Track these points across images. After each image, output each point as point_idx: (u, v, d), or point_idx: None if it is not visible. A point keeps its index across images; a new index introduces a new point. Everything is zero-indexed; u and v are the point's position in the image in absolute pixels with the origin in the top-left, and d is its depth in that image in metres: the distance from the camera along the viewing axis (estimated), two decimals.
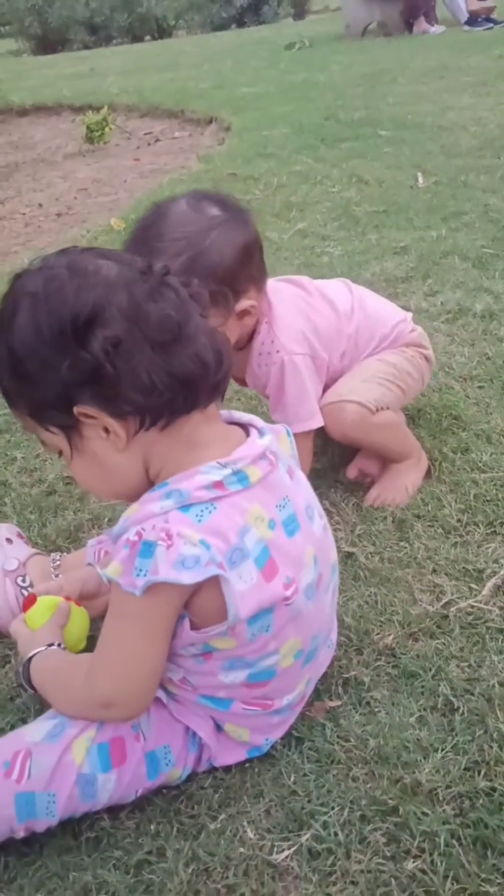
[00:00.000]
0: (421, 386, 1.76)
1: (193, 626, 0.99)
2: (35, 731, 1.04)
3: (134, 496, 1.06)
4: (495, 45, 7.96)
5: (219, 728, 1.10)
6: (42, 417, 1.00)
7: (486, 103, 5.30)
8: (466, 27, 9.86)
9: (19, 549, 1.47)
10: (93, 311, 0.93)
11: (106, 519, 1.67)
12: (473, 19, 9.99)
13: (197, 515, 0.95)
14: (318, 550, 1.08)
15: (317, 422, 1.60)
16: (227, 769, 1.11)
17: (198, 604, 0.97)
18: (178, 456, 1.00)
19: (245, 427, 1.08)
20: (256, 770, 1.11)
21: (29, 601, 1.24)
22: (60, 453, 1.04)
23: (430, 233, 3.03)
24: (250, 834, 1.03)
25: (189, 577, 0.93)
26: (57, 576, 1.43)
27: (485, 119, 4.82)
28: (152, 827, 1.06)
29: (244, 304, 1.49)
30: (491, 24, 9.66)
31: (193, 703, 1.08)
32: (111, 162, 5.59)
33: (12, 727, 1.21)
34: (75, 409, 0.96)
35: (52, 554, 1.48)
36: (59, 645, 1.15)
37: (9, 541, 1.49)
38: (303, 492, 1.10)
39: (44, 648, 1.13)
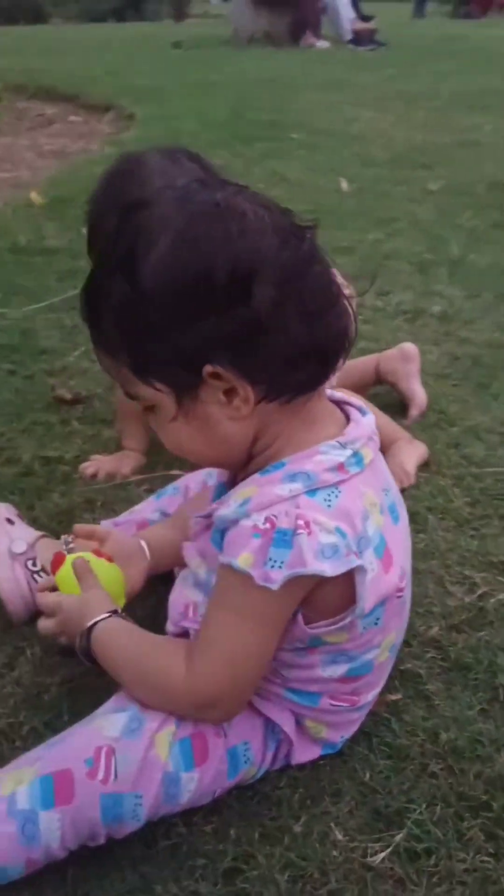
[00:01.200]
0: None
1: (307, 621, 0.91)
2: (110, 724, 0.93)
3: (230, 467, 0.98)
4: (384, 65, 8.22)
5: (297, 724, 1.02)
6: (152, 372, 0.88)
7: (388, 119, 5.45)
8: (351, 46, 10.13)
9: (24, 531, 1.34)
10: (255, 262, 0.83)
11: (99, 502, 1.55)
12: (358, 39, 10.28)
13: (325, 500, 0.87)
14: (406, 540, 1.03)
15: None
16: (301, 767, 1.04)
17: (319, 596, 0.89)
18: (293, 432, 0.91)
19: (338, 404, 1.01)
20: (328, 768, 1.04)
21: (58, 560, 1.12)
22: (149, 409, 0.93)
23: (368, 236, 3.05)
24: (339, 835, 0.96)
25: (332, 569, 0.85)
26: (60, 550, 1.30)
27: (390, 133, 4.95)
28: (232, 832, 0.97)
29: None
30: (375, 45, 9.96)
31: (279, 697, 0.99)
32: (5, 140, 5.37)
33: (47, 725, 1.09)
34: (208, 369, 0.85)
35: (63, 536, 1.34)
36: (118, 612, 1.04)
37: (9, 521, 1.35)
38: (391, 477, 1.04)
39: (107, 616, 1.01)
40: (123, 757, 0.90)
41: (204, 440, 0.92)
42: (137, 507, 1.38)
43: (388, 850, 0.95)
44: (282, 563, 0.84)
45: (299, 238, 0.87)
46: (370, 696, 1.03)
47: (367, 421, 0.96)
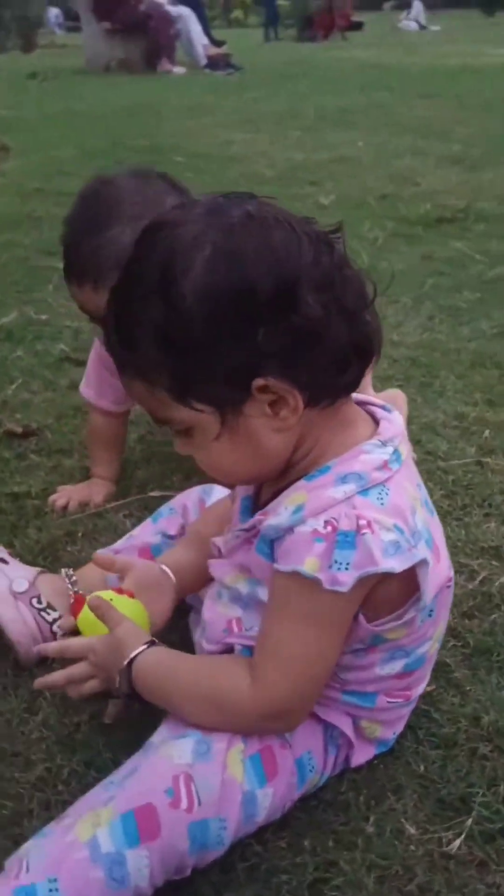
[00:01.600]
0: None
1: (368, 620, 0.91)
2: (178, 751, 0.90)
3: (265, 480, 0.97)
4: (244, 88, 8.39)
5: (354, 726, 1.02)
6: (194, 393, 0.86)
7: (263, 139, 5.56)
8: (208, 70, 10.30)
9: (21, 569, 1.28)
10: (297, 270, 0.82)
11: (80, 533, 1.50)
12: (213, 64, 10.46)
13: (378, 498, 0.87)
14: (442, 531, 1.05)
15: None
16: (357, 769, 1.03)
17: (379, 595, 0.89)
18: (332, 437, 0.91)
19: (360, 404, 1.02)
20: (383, 766, 1.05)
21: (78, 603, 1.08)
22: (182, 432, 0.91)
23: None
24: (412, 829, 0.97)
25: (399, 564, 0.85)
26: (77, 591, 1.25)
27: (269, 153, 5.05)
28: (306, 843, 0.95)
29: None
30: (232, 70, 10.17)
31: (336, 702, 0.99)
32: None
33: (88, 765, 1.05)
34: (258, 382, 0.84)
35: (63, 570, 1.30)
36: (154, 642, 1.00)
37: (2, 561, 1.29)
38: None
39: (144, 647, 0.98)
40: (203, 782, 0.87)
41: (246, 456, 0.90)
42: (135, 532, 1.34)
43: (462, 836, 0.96)
44: (348, 564, 0.84)
45: (329, 243, 0.87)
46: (420, 690, 1.04)
47: (397, 418, 0.98)
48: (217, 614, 1.03)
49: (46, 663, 1.21)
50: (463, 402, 1.93)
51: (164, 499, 1.55)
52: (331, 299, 0.85)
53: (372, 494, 0.87)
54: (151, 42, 10.30)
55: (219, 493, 1.32)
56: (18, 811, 1.00)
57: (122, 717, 1.07)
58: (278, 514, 0.90)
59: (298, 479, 0.91)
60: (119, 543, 1.34)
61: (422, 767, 1.04)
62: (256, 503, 1.00)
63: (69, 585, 1.26)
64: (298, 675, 0.89)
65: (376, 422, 0.96)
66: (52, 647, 1.08)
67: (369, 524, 0.84)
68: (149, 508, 1.56)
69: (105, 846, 0.83)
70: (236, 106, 7.14)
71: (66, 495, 1.60)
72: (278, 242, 0.83)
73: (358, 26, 19.98)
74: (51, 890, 0.81)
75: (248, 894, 0.90)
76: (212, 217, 0.85)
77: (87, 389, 1.65)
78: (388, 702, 1.00)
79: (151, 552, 1.30)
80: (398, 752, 1.06)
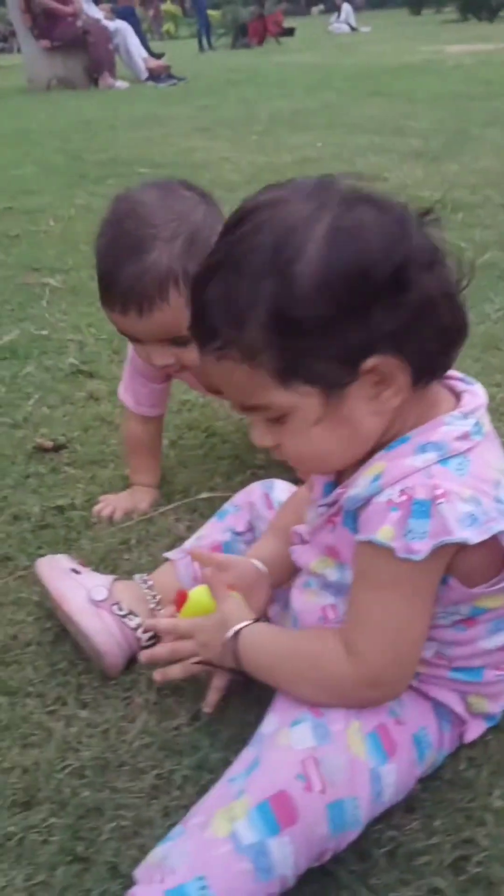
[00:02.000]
0: None
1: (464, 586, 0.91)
2: (297, 738, 0.89)
3: (349, 465, 0.95)
4: (191, 97, 8.41)
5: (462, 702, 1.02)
6: (302, 373, 0.84)
7: (222, 146, 5.57)
8: (151, 83, 10.30)
9: (96, 578, 1.26)
10: (407, 248, 0.81)
11: (133, 540, 1.49)
12: (155, 76, 10.47)
13: (458, 469, 0.87)
14: None
15: None
16: (471, 746, 1.03)
17: (463, 564, 0.88)
18: (418, 413, 0.91)
19: None
20: (494, 741, 1.05)
21: (180, 598, 1.09)
22: (275, 420, 0.89)
23: None
24: None
25: (475, 535, 0.84)
26: (155, 597, 1.24)
27: (233, 158, 5.06)
28: (437, 823, 0.95)
29: None
30: (174, 80, 10.18)
31: (444, 679, 0.98)
32: None
33: (200, 767, 1.04)
34: (370, 362, 0.83)
35: (136, 576, 1.28)
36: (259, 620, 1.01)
37: (75, 571, 1.27)
38: None
39: (250, 622, 0.98)
40: (330, 763, 0.86)
41: (341, 441, 0.89)
42: (203, 532, 1.33)
43: None
44: (423, 533, 0.83)
45: (426, 225, 0.87)
46: None
47: (479, 389, 0.98)
48: (308, 604, 1.02)
49: (133, 669, 1.20)
50: (485, 384, 1.94)
51: (211, 500, 1.55)
52: (435, 279, 0.85)
53: (451, 464, 0.86)
54: (91, 58, 10.26)
55: (281, 487, 1.32)
56: (138, 821, 0.99)
57: (223, 705, 1.07)
58: (357, 485, 0.90)
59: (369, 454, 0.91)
60: (188, 544, 1.33)
61: None
62: (337, 486, 1.00)
63: (146, 590, 1.25)
64: (388, 642, 0.89)
65: (457, 395, 0.96)
66: (162, 623, 1.09)
67: (445, 494, 0.84)
68: (198, 511, 1.55)
69: (246, 838, 0.82)
70: (188, 115, 7.15)
71: (110, 505, 1.59)
72: (390, 220, 0.83)
73: (289, 32, 20.17)
74: (201, 888, 0.80)
75: (391, 879, 0.90)
76: (320, 194, 0.84)
77: (126, 395, 1.63)
78: (496, 675, 1.00)
79: (223, 551, 1.29)
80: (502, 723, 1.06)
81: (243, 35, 17.70)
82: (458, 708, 1.00)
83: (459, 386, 0.98)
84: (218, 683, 1.08)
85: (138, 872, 0.88)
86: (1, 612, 1.34)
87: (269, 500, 1.30)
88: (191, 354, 1.37)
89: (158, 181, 1.40)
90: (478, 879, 0.89)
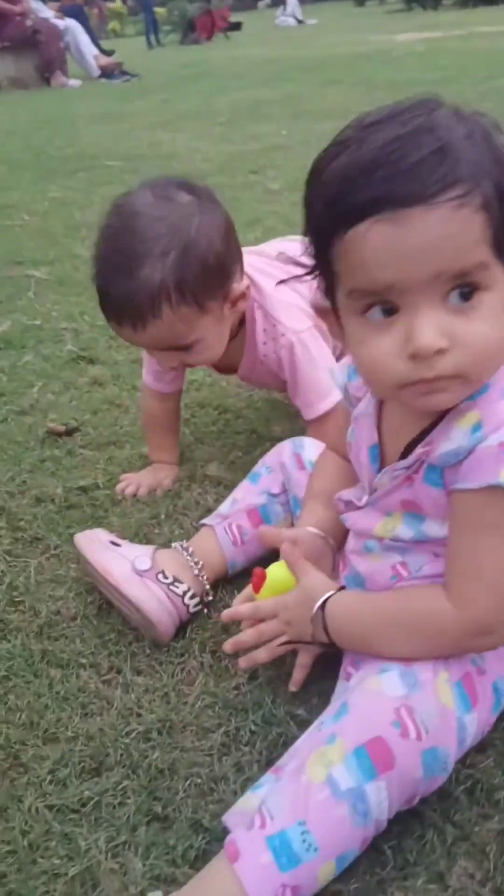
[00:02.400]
0: None
1: None
2: (388, 685, 0.89)
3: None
4: (149, 93, 8.37)
5: None
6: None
7: (187, 137, 5.56)
8: (104, 80, 10.24)
9: (137, 548, 1.26)
10: None
11: (162, 515, 1.49)
12: (108, 73, 10.41)
13: None
14: None
15: (335, 395, 1.55)
16: None
17: None
18: None
19: None
20: None
21: (259, 578, 1.07)
22: (472, 292, 0.80)
23: (248, 236, 3.10)
24: None
25: None
26: (197, 563, 1.24)
27: (201, 149, 5.05)
28: None
29: (238, 287, 1.39)
30: (128, 77, 10.13)
31: None
32: None
33: (267, 722, 1.05)
34: None
35: (174, 544, 1.28)
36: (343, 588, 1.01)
37: (115, 544, 1.26)
38: None
39: (335, 592, 0.98)
40: (423, 711, 0.87)
41: (496, 342, 0.83)
42: (238, 495, 1.33)
43: None
44: None
45: None
46: None
47: None
48: (376, 565, 1.02)
49: (184, 636, 1.20)
50: None
51: (234, 473, 1.55)
52: None
53: None
54: (42, 57, 10.16)
55: (310, 445, 1.32)
56: (212, 777, 0.99)
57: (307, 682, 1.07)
58: (451, 438, 0.89)
59: (446, 409, 0.90)
60: (224, 508, 1.33)
61: None
62: (383, 451, 1.00)
63: (188, 557, 1.25)
64: (500, 587, 0.89)
65: None
66: (244, 609, 1.07)
67: None
68: (222, 484, 1.55)
69: (344, 783, 0.83)
70: (148, 109, 7.12)
71: (133, 482, 1.58)
72: None
73: (237, 26, 20.13)
74: (303, 832, 0.81)
75: (473, 815, 0.91)
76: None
77: (146, 373, 1.62)
78: None
79: (260, 514, 1.30)
80: None
81: (191, 31, 17.62)
82: None
83: None
84: (304, 661, 1.06)
85: (228, 818, 0.89)
86: (40, 590, 1.33)
87: (301, 461, 1.31)
88: (195, 357, 1.39)
89: (157, 182, 1.35)
90: None
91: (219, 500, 1.47)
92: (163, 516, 1.49)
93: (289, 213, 3.36)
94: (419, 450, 0.93)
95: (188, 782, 0.98)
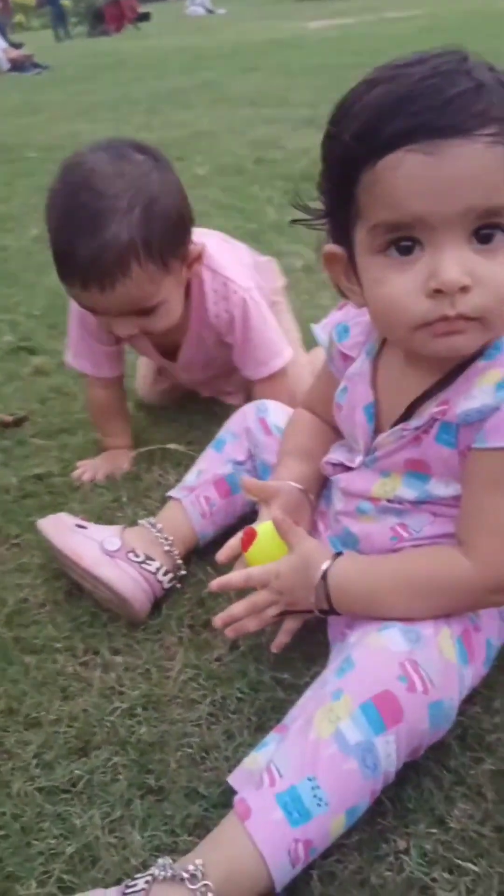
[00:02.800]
0: None
1: None
2: (390, 641, 0.89)
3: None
4: (63, 84, 8.26)
5: None
6: None
7: (106, 126, 5.50)
8: (16, 73, 10.05)
9: (104, 529, 1.24)
10: None
11: (124, 498, 1.47)
12: (18, 66, 10.22)
13: None
14: None
15: (288, 353, 1.57)
16: None
17: None
18: None
19: None
20: None
21: (248, 537, 1.05)
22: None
23: None
24: None
25: None
26: (167, 539, 1.23)
27: (125, 137, 4.98)
28: (497, 703, 0.99)
29: (195, 248, 1.38)
30: (40, 69, 9.97)
31: None
32: None
33: (253, 689, 1.05)
34: None
35: (141, 522, 1.27)
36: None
37: (80, 526, 1.24)
38: None
39: (334, 558, 0.97)
40: (428, 665, 0.87)
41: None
42: (203, 465, 1.31)
43: None
44: None
45: None
46: None
47: None
48: (372, 528, 1.01)
49: (160, 613, 1.19)
50: None
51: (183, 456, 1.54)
52: None
53: None
54: None
55: (275, 409, 1.31)
56: (203, 746, 0.99)
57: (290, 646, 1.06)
58: (473, 397, 0.88)
59: (452, 369, 0.91)
60: (188, 479, 1.31)
61: None
62: (378, 410, 1.00)
63: (157, 534, 1.24)
64: None
65: None
66: (235, 577, 1.04)
67: None
68: (182, 464, 1.54)
69: (352, 737, 0.83)
70: (64, 100, 7.01)
71: (90, 469, 1.56)
72: None
73: (146, 17, 19.96)
74: (313, 787, 0.81)
75: (466, 759, 0.93)
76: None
77: (80, 361, 1.58)
78: None
79: (227, 483, 1.29)
80: None
81: (100, 22, 17.41)
82: None
83: None
84: (291, 625, 1.05)
85: (234, 778, 0.88)
86: (5, 579, 1.31)
87: (266, 425, 1.29)
88: (155, 322, 1.36)
89: (110, 142, 1.33)
90: None
91: (180, 479, 1.45)
92: (125, 499, 1.47)
93: (220, 198, 3.37)
94: (434, 409, 0.92)
95: (179, 753, 0.98)
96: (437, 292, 0.79)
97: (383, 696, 0.84)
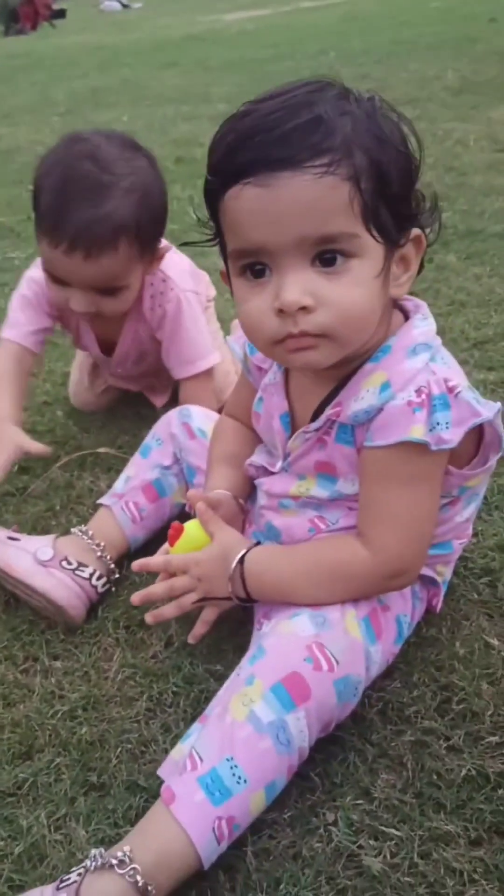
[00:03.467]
0: None
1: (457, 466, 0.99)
2: (299, 627, 0.95)
3: (352, 352, 0.94)
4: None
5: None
6: (376, 220, 0.88)
7: (26, 130, 5.45)
8: None
9: (36, 540, 1.27)
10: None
11: (57, 506, 1.50)
12: None
13: (444, 361, 0.95)
14: None
15: (215, 357, 1.62)
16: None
17: (460, 447, 0.95)
18: (386, 321, 0.98)
19: None
20: (450, 600, 1.16)
21: (176, 532, 1.10)
22: (349, 255, 0.88)
23: None
24: (495, 642, 1.09)
25: (489, 413, 0.93)
26: (99, 545, 1.27)
27: (43, 141, 4.91)
28: (415, 678, 1.05)
29: (164, 248, 1.47)
30: None
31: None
32: None
33: (188, 682, 1.10)
34: (416, 231, 0.93)
35: (73, 530, 1.29)
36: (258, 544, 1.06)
37: (13, 539, 1.27)
38: None
39: (246, 551, 1.03)
40: (333, 645, 0.94)
41: (376, 309, 0.92)
42: (131, 472, 1.35)
43: None
44: (447, 423, 0.91)
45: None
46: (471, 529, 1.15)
47: (416, 299, 1.04)
48: (292, 520, 1.07)
49: (96, 617, 1.23)
50: None
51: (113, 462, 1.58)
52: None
53: (439, 359, 0.95)
54: None
55: (197, 413, 1.36)
56: (142, 741, 1.03)
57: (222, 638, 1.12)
58: (361, 398, 0.95)
59: (350, 372, 0.97)
60: (118, 486, 1.35)
61: (475, 595, 1.17)
62: (293, 418, 1.06)
63: (88, 541, 1.27)
64: (412, 532, 0.97)
65: (398, 307, 1.02)
66: (155, 561, 1.10)
67: (456, 385, 0.92)
68: (113, 468, 1.58)
69: (265, 717, 0.89)
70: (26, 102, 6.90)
71: None
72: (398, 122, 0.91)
73: (61, 14, 19.66)
74: (231, 767, 0.86)
75: (388, 732, 0.99)
76: (343, 94, 0.89)
77: (9, 330, 1.56)
78: (459, 544, 1.11)
79: (155, 488, 1.33)
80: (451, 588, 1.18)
81: (14, 21, 17.12)
82: (432, 579, 1.09)
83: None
84: (208, 616, 1.09)
85: (162, 771, 0.93)
86: None
87: (191, 430, 1.33)
88: (113, 304, 1.43)
89: (112, 132, 1.43)
90: (462, 714, 1.00)
91: (111, 485, 1.49)
92: (58, 507, 1.50)
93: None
94: (329, 411, 0.99)
95: (119, 749, 1.02)
96: (281, 312, 0.87)
97: (291, 678, 0.91)
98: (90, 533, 1.28)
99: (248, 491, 1.18)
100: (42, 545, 1.25)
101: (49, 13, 18.61)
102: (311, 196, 0.83)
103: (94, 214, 1.30)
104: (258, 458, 1.14)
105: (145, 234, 1.37)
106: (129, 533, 1.31)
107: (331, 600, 0.98)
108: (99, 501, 1.36)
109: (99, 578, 1.24)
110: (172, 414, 1.38)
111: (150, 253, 1.43)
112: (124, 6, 21.34)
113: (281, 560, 1.03)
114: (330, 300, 0.87)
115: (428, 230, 0.95)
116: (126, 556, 1.31)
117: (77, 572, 1.22)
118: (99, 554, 1.26)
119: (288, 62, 6.59)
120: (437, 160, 3.23)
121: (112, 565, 1.27)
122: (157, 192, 1.39)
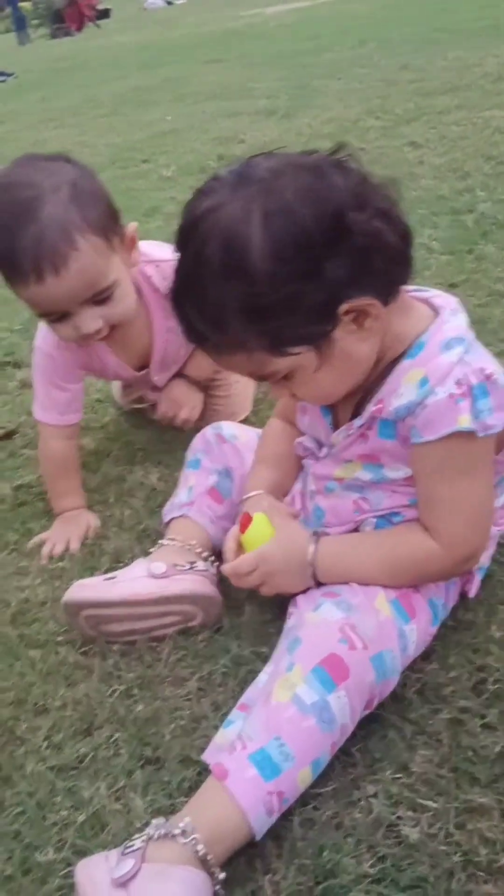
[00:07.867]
0: None
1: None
2: (330, 612, 1.01)
3: (359, 381, 1.04)
4: (25, 92, 8.30)
5: None
6: (289, 341, 0.94)
7: (72, 132, 5.59)
8: None
9: (135, 566, 1.27)
10: (335, 199, 0.90)
11: (110, 499, 1.57)
12: None
13: (478, 353, 1.00)
14: None
15: None
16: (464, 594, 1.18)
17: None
18: (399, 323, 1.01)
19: None
20: (487, 586, 1.20)
21: (245, 521, 1.16)
22: (283, 379, 1.00)
23: (148, 225, 3.17)
24: None
25: None
26: (192, 544, 1.30)
27: (88, 142, 5.09)
28: (451, 660, 1.10)
29: (130, 231, 1.44)
30: (4, 76, 10.00)
31: None
32: None
33: (236, 663, 1.16)
34: (343, 308, 0.93)
35: (160, 542, 1.32)
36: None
37: (111, 578, 1.26)
38: None
39: (314, 546, 1.10)
40: (364, 625, 1.00)
41: (344, 373, 1.00)
42: (191, 483, 1.37)
43: None
44: (489, 409, 0.97)
45: (342, 165, 0.96)
46: None
47: (441, 292, 1.09)
48: (338, 501, 1.14)
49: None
50: None
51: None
52: (371, 210, 0.93)
53: (473, 350, 1.00)
54: None
55: (227, 426, 1.41)
56: (194, 718, 1.10)
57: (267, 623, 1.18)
58: (400, 395, 1.00)
59: (385, 368, 1.03)
60: (183, 498, 1.36)
61: None
62: (335, 408, 1.13)
63: (181, 545, 1.30)
64: (475, 518, 1.03)
65: (424, 301, 1.06)
66: (225, 570, 1.16)
67: (492, 372, 0.98)
68: (163, 463, 1.64)
69: (308, 698, 0.95)
70: (28, 109, 7.06)
71: (60, 540, 1.50)
72: (309, 183, 0.91)
73: (105, 14, 19.89)
74: (280, 745, 0.92)
75: (425, 711, 1.04)
76: (242, 188, 0.91)
77: (47, 413, 1.59)
78: (497, 530, 1.16)
79: (219, 491, 1.36)
80: (488, 574, 1.22)
81: (60, 23, 17.38)
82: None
83: (421, 294, 1.08)
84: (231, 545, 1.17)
85: (207, 756, 1.00)
86: (6, 582, 1.42)
87: (222, 437, 1.39)
88: (115, 308, 1.41)
89: (12, 161, 1.40)
90: (498, 694, 1.04)
91: (163, 478, 1.57)
92: (112, 500, 1.58)
93: (186, 198, 3.44)
94: (372, 408, 1.04)
95: (173, 726, 1.09)
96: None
97: (329, 659, 0.96)
98: (179, 538, 1.30)
99: (287, 489, 1.24)
100: (148, 564, 1.25)
101: (94, 13, 18.83)
102: (224, 361, 1.01)
103: (36, 229, 1.28)
104: (307, 439, 1.19)
105: (95, 221, 1.32)
106: (211, 531, 1.33)
107: (406, 585, 1.07)
108: (168, 516, 1.37)
109: (213, 564, 1.28)
110: (206, 430, 1.41)
111: (114, 236, 1.38)
112: (168, 3, 21.45)
113: (352, 551, 1.09)
114: (297, 394, 1.05)
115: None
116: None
117: (195, 568, 1.26)
118: (199, 550, 1.29)
119: (327, 54, 6.60)
120: (476, 149, 3.24)
121: (213, 558, 1.30)
122: (85, 178, 1.35)
